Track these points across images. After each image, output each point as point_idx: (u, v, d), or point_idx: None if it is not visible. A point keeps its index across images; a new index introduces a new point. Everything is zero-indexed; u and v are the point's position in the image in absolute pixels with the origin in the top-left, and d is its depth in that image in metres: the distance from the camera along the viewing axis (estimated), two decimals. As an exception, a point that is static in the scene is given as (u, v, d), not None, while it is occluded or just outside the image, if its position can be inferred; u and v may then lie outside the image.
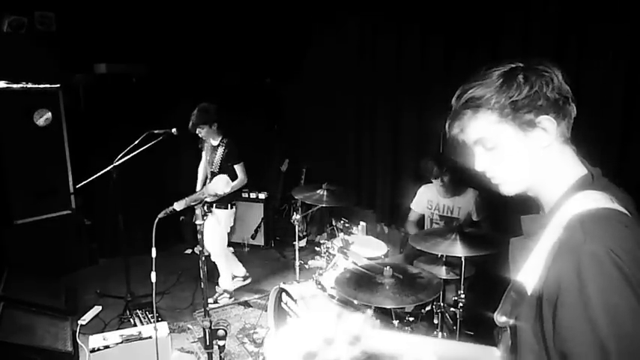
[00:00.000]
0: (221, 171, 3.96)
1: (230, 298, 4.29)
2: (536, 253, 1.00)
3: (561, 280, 0.89)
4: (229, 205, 4.10)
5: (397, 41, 4.50)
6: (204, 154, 4.26)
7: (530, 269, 1.01)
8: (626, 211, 0.95)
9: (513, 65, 1.01)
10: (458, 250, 2.70)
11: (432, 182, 3.59)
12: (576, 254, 0.87)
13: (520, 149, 1.02)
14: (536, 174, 1.04)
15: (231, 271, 4.35)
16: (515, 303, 1.04)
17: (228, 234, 4.27)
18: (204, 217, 3.98)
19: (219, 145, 4.06)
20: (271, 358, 1.10)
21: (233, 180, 3.87)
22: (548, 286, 0.93)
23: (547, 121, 0.99)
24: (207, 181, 4.12)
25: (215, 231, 4.07)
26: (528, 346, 0.99)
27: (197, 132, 3.99)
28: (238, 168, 4.00)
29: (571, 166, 1.04)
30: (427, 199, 3.68)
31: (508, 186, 1.07)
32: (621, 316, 0.83)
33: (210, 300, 4.19)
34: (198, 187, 4.33)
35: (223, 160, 4.02)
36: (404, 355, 1.12)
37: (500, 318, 1.08)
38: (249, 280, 4.50)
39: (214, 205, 4.03)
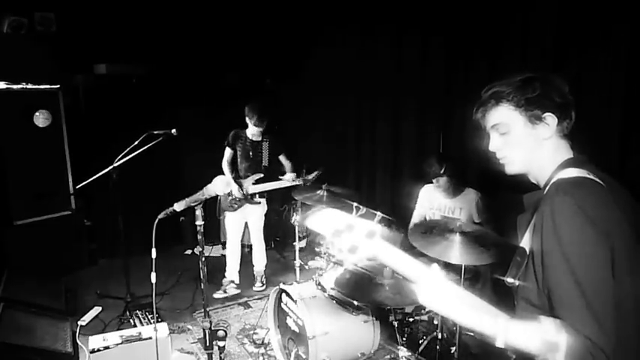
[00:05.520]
0: (271, 164, 4.30)
1: (236, 288, 4.46)
2: (533, 221, 1.24)
3: (542, 228, 1.12)
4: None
5: (397, 44, 4.51)
6: (239, 151, 4.29)
7: (528, 235, 1.26)
8: (601, 182, 1.16)
9: (532, 75, 1.28)
10: (457, 256, 2.51)
11: (432, 182, 3.59)
12: (550, 204, 1.12)
13: (527, 137, 1.27)
14: (536, 159, 1.29)
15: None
16: (519, 265, 1.26)
17: (225, 235, 4.43)
18: (221, 215, 4.40)
19: (262, 141, 4.27)
20: (312, 227, 1.21)
21: (284, 173, 4.27)
22: (534, 239, 1.16)
23: (550, 118, 1.25)
24: (245, 175, 4.26)
25: (262, 220, 4.40)
26: (529, 301, 1.19)
27: (262, 126, 4.21)
28: (282, 158, 4.36)
29: (563, 154, 1.28)
30: (429, 199, 3.68)
31: (512, 166, 1.32)
32: (588, 249, 1.06)
33: (219, 291, 4.38)
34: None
35: (270, 153, 4.28)
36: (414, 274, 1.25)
37: (508, 280, 1.29)
38: (238, 291, 4.48)
39: (257, 195, 4.25)
